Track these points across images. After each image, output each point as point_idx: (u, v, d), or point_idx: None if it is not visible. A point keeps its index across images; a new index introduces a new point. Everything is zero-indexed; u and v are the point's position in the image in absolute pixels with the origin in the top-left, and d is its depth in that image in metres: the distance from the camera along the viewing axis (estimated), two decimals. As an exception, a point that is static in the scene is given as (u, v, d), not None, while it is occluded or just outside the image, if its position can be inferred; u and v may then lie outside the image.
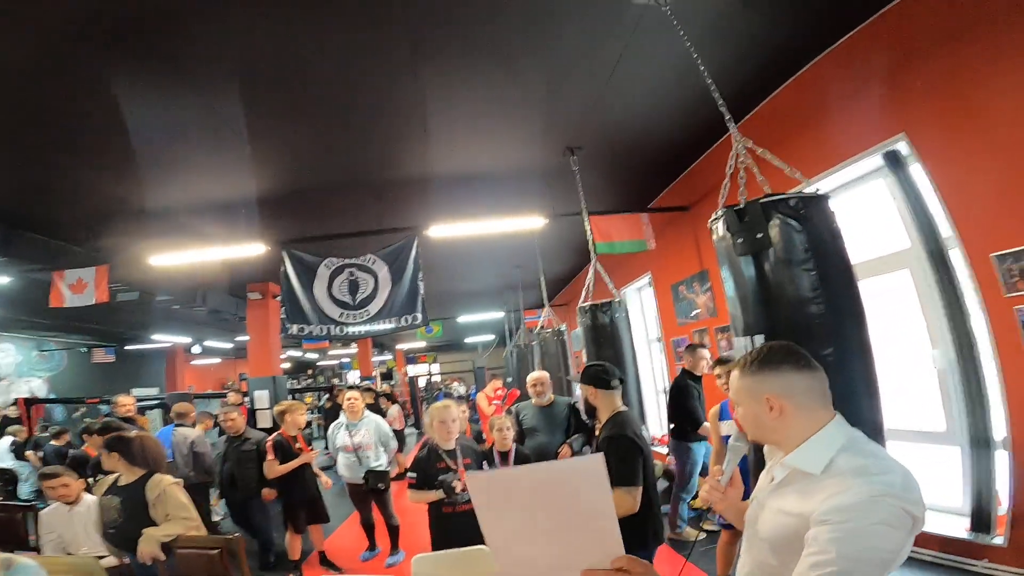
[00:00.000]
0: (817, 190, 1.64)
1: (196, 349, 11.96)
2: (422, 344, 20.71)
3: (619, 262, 6.21)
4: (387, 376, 18.14)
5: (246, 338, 10.19)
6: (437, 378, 22.16)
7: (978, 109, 2.49)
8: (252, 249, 4.74)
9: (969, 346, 2.70)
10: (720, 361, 2.91)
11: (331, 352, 18.40)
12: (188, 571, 2.60)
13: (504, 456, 3.32)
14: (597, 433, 2.55)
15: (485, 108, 3.64)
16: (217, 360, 17.03)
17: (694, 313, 5.30)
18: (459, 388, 19.09)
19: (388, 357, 20.76)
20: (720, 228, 1.67)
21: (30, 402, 8.40)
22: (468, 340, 19.10)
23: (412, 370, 21.31)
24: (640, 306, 7.32)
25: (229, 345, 13.72)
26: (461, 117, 3.70)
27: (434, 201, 4.97)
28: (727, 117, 2.02)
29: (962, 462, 2.83)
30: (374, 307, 4.78)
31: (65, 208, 4.56)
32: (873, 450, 1.14)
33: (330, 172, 4.31)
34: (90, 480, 3.88)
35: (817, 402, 1.20)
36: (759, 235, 1.51)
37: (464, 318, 12.48)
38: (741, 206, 1.58)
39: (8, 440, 6.99)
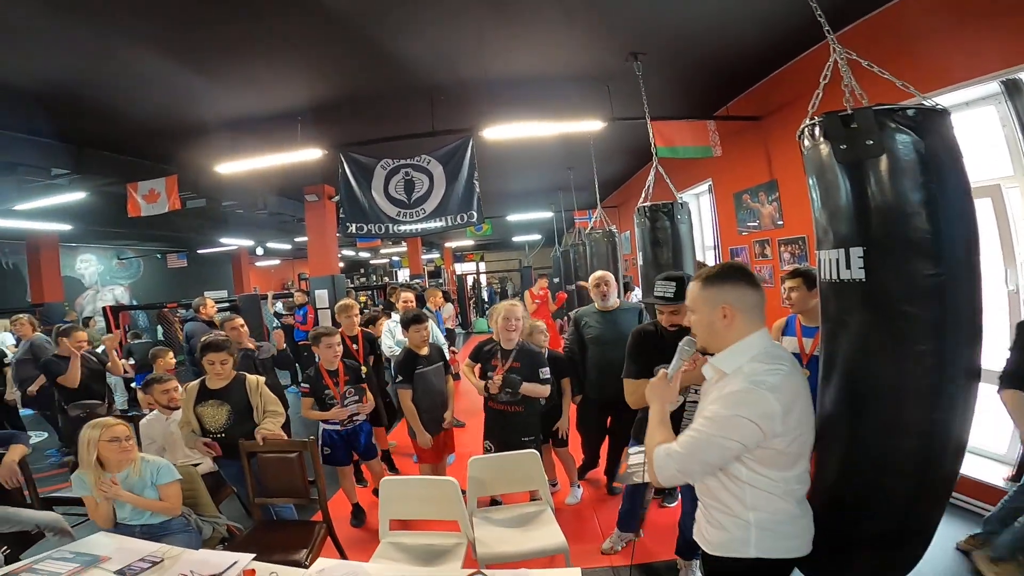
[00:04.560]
0: (936, 105, 1.47)
1: (259, 251, 12.57)
2: (470, 243, 20.93)
3: (678, 167, 6.02)
4: (435, 274, 18.58)
5: (304, 239, 10.66)
6: (484, 277, 22.63)
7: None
8: (309, 154, 4.84)
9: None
10: (794, 274, 2.74)
11: (382, 251, 18.98)
12: (271, 472, 2.84)
13: None
14: None
15: (545, 11, 3.35)
16: (277, 261, 17.99)
17: (757, 223, 5.16)
18: (509, 287, 19.49)
19: (436, 255, 21.24)
20: (815, 135, 1.56)
21: (116, 309, 8.59)
22: (516, 239, 19.18)
23: (459, 268, 21.84)
24: (697, 212, 7.10)
25: (288, 246, 14.34)
26: (518, 18, 3.44)
27: (489, 104, 4.81)
28: (825, 27, 1.80)
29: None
30: (429, 205, 4.89)
31: (132, 124, 4.68)
32: (776, 365, 1.35)
33: (384, 77, 4.18)
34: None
35: (757, 316, 1.42)
36: (868, 143, 1.39)
37: (513, 217, 12.44)
38: (848, 112, 1.46)
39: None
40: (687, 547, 2.60)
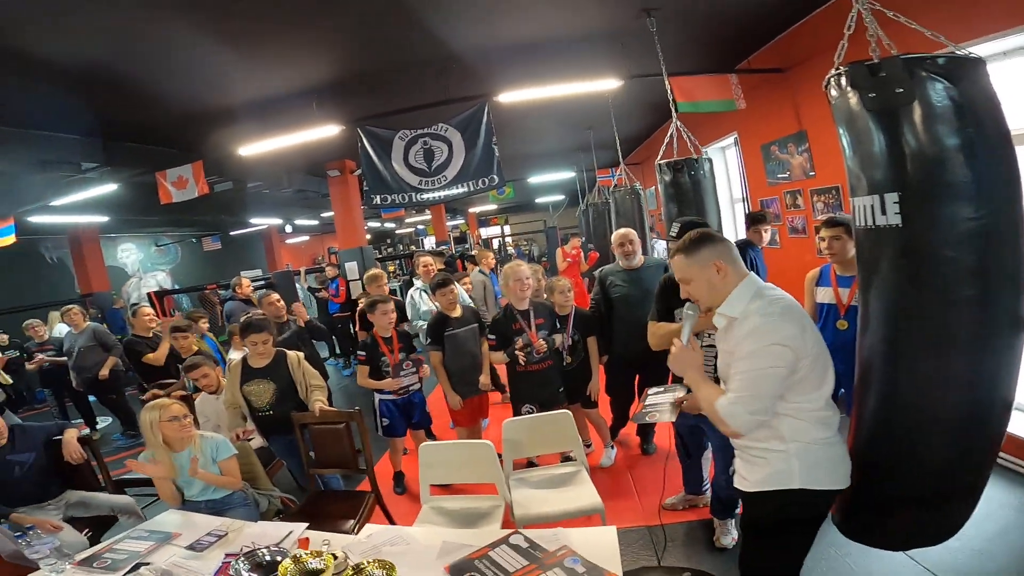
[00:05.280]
0: (970, 53, 1.40)
1: (288, 228, 12.82)
2: (494, 207, 20.87)
3: (702, 121, 5.93)
4: (461, 240, 18.63)
5: (330, 214, 10.82)
6: (509, 239, 22.58)
7: None
8: (327, 131, 4.88)
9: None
10: (833, 223, 2.65)
11: (407, 220, 19.10)
12: (321, 443, 2.94)
13: (563, 319, 3.37)
14: None
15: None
16: (307, 238, 18.32)
17: (787, 174, 5.04)
18: (534, 249, 19.42)
19: (461, 221, 21.26)
20: (842, 84, 1.51)
21: (160, 295, 8.99)
22: (539, 200, 18.97)
23: (485, 232, 21.84)
24: (723, 165, 6.91)
25: (315, 222, 14.58)
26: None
27: (502, 69, 4.71)
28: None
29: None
30: (450, 172, 4.92)
31: (157, 113, 4.77)
32: (773, 294, 1.51)
33: (396, 49, 4.12)
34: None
35: (739, 264, 1.58)
36: (898, 91, 1.32)
37: (535, 179, 12.31)
38: (875, 62, 1.40)
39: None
40: (722, 507, 2.64)
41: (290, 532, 2.04)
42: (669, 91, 4.10)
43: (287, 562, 1.58)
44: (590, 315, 3.47)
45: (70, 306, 5.76)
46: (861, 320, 1.66)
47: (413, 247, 21.13)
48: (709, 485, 2.93)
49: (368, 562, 1.57)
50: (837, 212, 4.15)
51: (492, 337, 3.23)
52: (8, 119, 4.38)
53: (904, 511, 1.59)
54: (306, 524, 2.10)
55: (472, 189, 4.88)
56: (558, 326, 3.28)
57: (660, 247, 6.98)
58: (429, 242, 18.46)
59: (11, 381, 5.84)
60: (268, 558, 1.73)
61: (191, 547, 2.03)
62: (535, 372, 3.20)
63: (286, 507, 2.91)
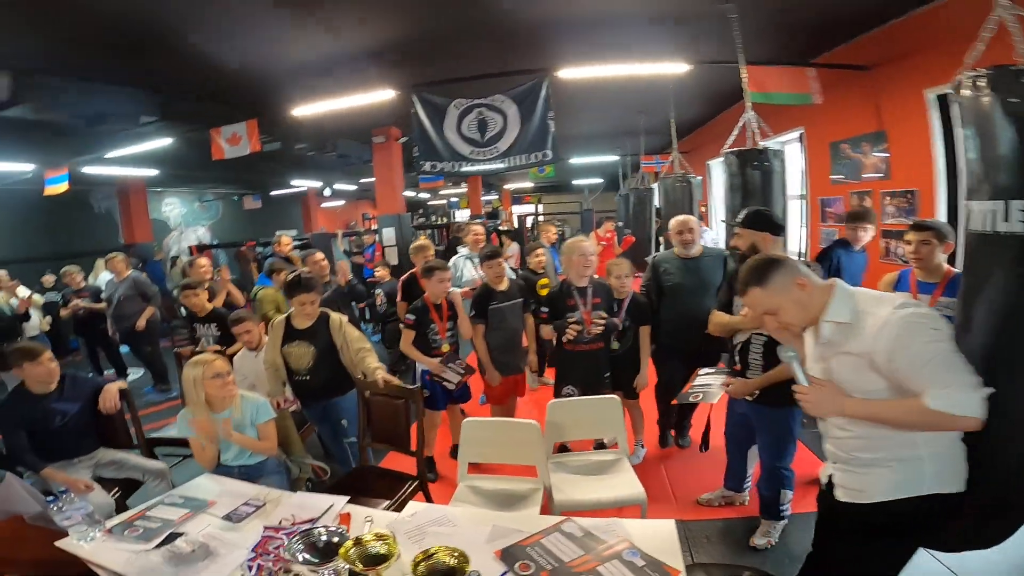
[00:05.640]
0: None
1: (327, 192, 12.97)
2: (529, 184, 20.69)
3: (766, 114, 5.72)
4: (493, 215, 18.54)
5: (368, 180, 10.87)
6: (541, 218, 22.33)
7: None
8: (382, 95, 4.86)
9: None
10: (922, 227, 2.50)
11: (441, 192, 19.10)
12: (375, 416, 2.83)
13: (619, 303, 3.24)
14: None
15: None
16: (342, 202, 18.47)
17: (856, 174, 4.89)
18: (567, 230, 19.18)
19: (494, 197, 21.15)
20: (979, 86, 1.45)
21: (200, 248, 9.34)
22: (575, 182, 18.70)
23: (517, 210, 21.68)
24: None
25: (353, 187, 14.68)
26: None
27: (565, 43, 4.60)
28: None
29: None
30: (503, 144, 4.89)
31: (216, 72, 4.80)
32: (867, 292, 1.52)
33: (456, 15, 4.03)
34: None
35: (812, 274, 1.57)
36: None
37: (576, 159, 12.12)
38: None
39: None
40: (766, 507, 2.59)
41: (331, 506, 1.97)
42: (745, 80, 3.96)
43: (348, 544, 1.46)
44: (646, 303, 3.29)
45: (115, 254, 5.78)
46: (959, 327, 1.59)
47: (444, 218, 21.15)
48: (750, 483, 2.87)
49: (437, 548, 1.45)
50: (911, 217, 3.94)
51: (545, 310, 3.14)
52: (69, 72, 4.46)
53: (970, 516, 1.55)
54: (347, 498, 2.03)
55: (524, 163, 4.85)
56: (615, 309, 3.16)
57: (708, 237, 6.81)
58: (461, 215, 18.43)
59: (48, 328, 5.94)
60: (325, 538, 1.58)
61: (227, 517, 1.96)
62: (583, 353, 3.10)
63: (316, 476, 2.82)
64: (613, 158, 11.59)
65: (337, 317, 3.01)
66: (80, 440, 2.83)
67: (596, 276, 3.17)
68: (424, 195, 19.66)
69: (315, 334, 2.92)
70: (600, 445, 3.24)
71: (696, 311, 2.93)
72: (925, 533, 1.54)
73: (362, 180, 13.04)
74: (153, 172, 8.86)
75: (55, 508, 1.94)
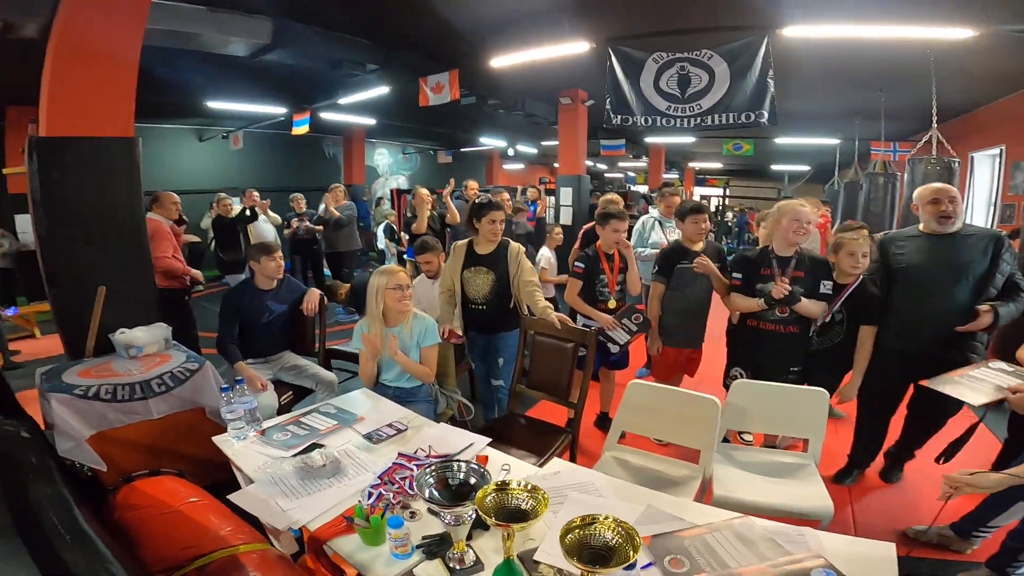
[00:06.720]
0: None
1: (510, 152, 13.60)
2: (718, 165, 19.05)
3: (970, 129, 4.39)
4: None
5: (551, 143, 11.02)
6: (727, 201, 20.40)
7: None
8: (577, 47, 4.73)
9: None
10: None
11: (620, 164, 18.50)
12: (538, 359, 2.68)
13: (838, 288, 2.58)
14: None
15: None
16: (522, 166, 19.09)
17: None
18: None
19: (676, 176, 19.83)
20: None
21: (400, 192, 11.04)
22: (775, 167, 16.55)
23: (699, 191, 20.10)
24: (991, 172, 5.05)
25: (534, 151, 15.04)
26: None
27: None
28: None
29: None
30: (706, 102, 4.47)
31: (424, 25, 5.16)
32: None
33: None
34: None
35: None
36: None
37: (784, 139, 10.61)
38: None
39: (383, 225, 8.97)
40: (997, 561, 2.00)
41: (471, 444, 1.89)
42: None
43: (489, 487, 1.25)
44: (876, 298, 2.54)
45: (337, 184, 6.99)
46: None
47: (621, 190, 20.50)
48: (989, 536, 2.21)
49: (603, 517, 1.12)
50: None
51: (738, 276, 2.69)
52: (314, 21, 5.04)
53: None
54: (488, 440, 1.93)
55: (733, 122, 4.38)
56: (822, 290, 2.54)
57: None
58: (638, 190, 17.69)
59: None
60: (461, 476, 1.35)
61: (368, 436, 1.97)
62: (769, 333, 2.62)
63: (460, 415, 2.74)
64: (833, 141, 9.95)
65: (516, 245, 2.95)
66: (277, 339, 3.06)
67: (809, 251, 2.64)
68: (601, 166, 19.24)
69: (496, 261, 2.88)
70: (770, 445, 2.80)
71: (937, 297, 2.35)
72: None
73: (544, 143, 13.24)
74: (371, 121, 10.02)
75: (224, 399, 1.96)
